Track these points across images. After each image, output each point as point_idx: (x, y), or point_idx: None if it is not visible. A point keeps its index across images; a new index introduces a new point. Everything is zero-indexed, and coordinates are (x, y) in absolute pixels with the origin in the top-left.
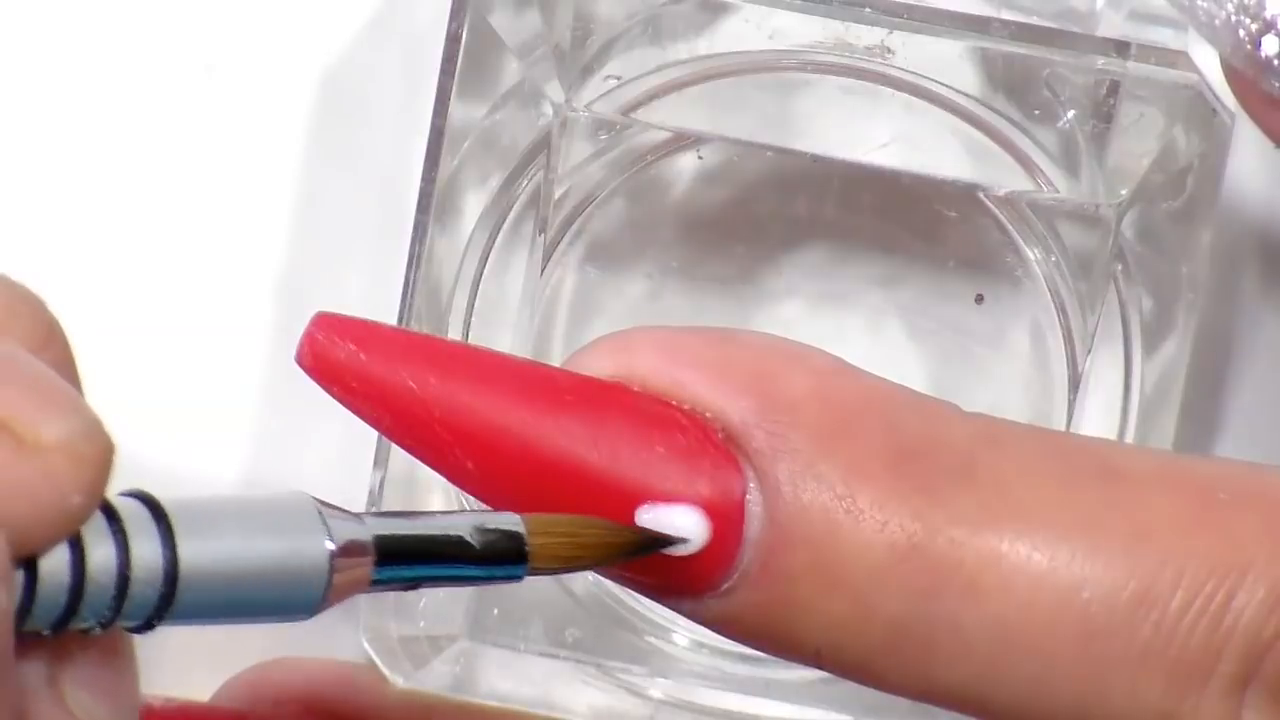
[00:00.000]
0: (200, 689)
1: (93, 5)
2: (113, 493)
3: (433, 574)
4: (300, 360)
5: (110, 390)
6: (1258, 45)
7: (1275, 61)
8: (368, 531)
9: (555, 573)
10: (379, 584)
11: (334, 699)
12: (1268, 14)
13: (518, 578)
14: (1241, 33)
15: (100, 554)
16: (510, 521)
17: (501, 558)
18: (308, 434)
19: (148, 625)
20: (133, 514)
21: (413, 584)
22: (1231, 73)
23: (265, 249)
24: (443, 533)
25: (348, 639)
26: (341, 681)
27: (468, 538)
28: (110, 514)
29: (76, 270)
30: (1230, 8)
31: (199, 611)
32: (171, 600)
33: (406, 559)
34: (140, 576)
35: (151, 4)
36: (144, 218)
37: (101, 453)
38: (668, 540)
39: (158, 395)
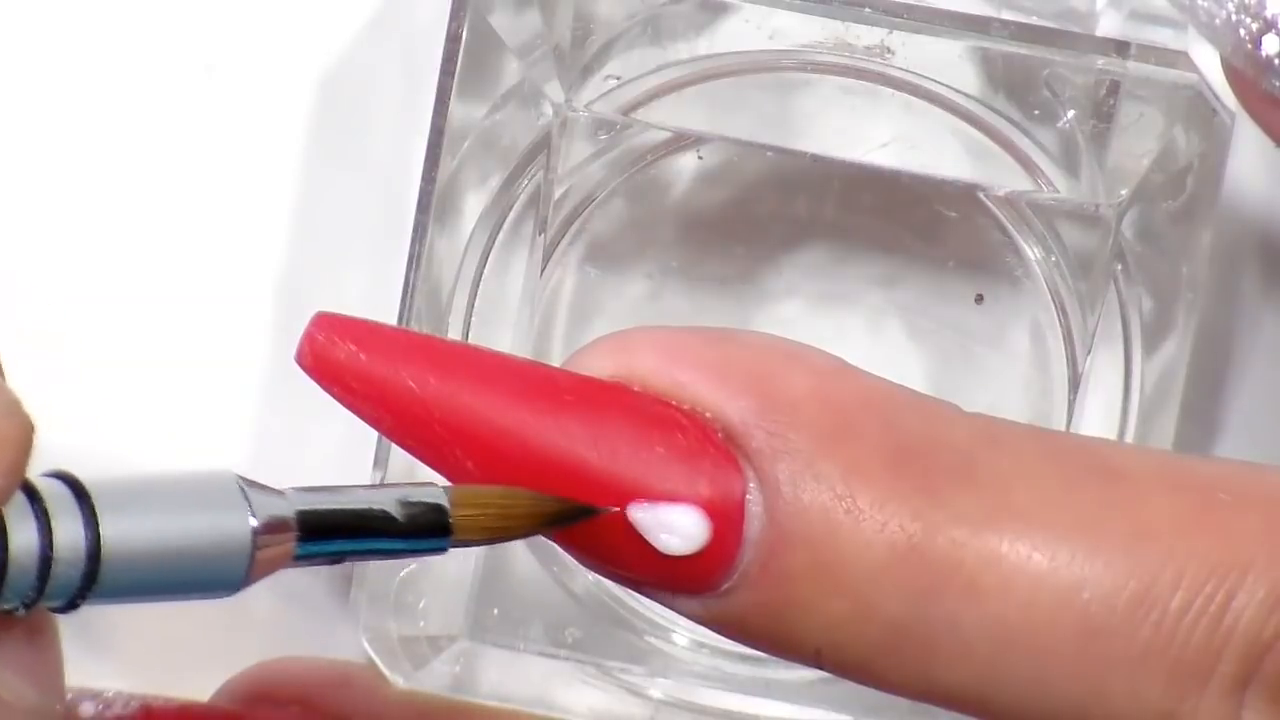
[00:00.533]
0: (200, 689)
1: (92, 5)
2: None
3: (357, 548)
4: (300, 360)
5: (110, 390)
6: (1258, 44)
7: (1276, 60)
8: (290, 507)
9: (480, 544)
10: (302, 559)
11: (334, 699)
12: (1268, 13)
13: (442, 549)
14: (1242, 32)
15: (22, 535)
16: (433, 494)
17: (425, 530)
18: (308, 433)
19: (71, 605)
20: (55, 494)
21: (337, 558)
22: (1232, 72)
23: (265, 249)
24: (366, 507)
25: (347, 639)
26: (341, 681)
27: (391, 511)
28: (32, 494)
29: (76, 270)
30: (1231, 7)
31: (123, 590)
32: (95, 579)
33: (330, 534)
34: (63, 556)
35: (151, 4)
36: (144, 217)
37: (21, 432)
38: (593, 510)
39: (157, 395)
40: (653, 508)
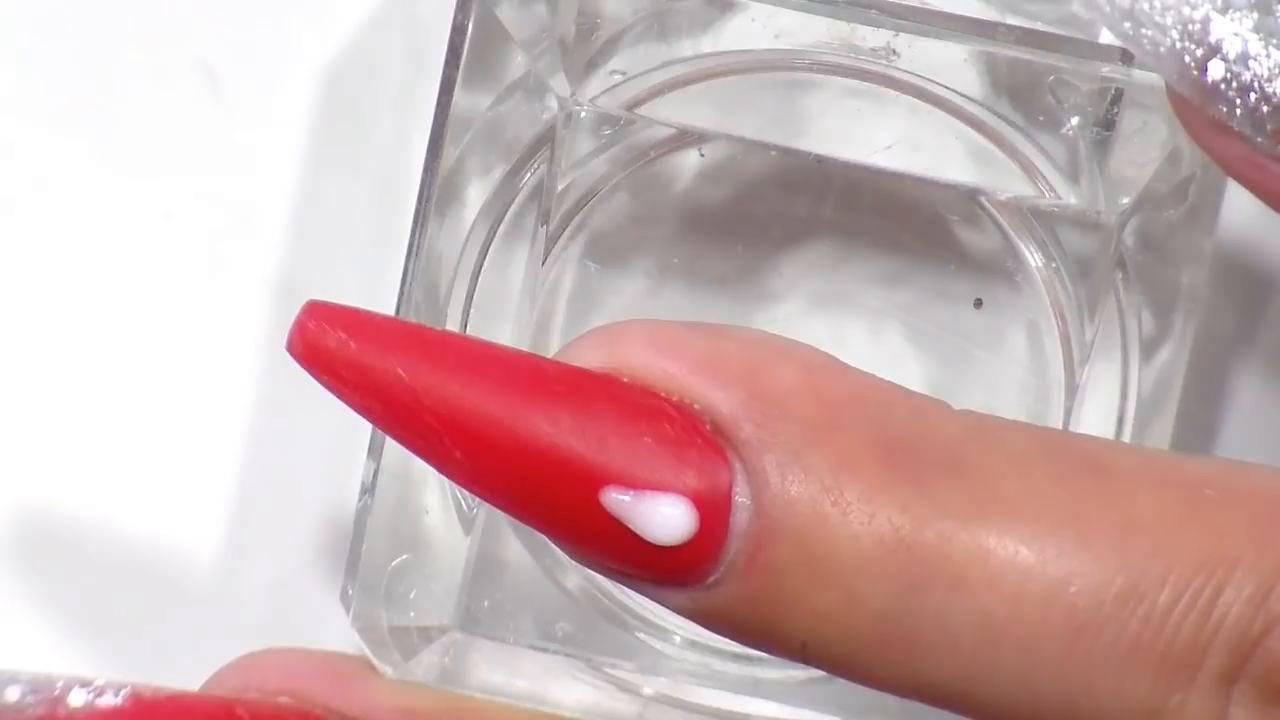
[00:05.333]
0: (188, 678)
1: None
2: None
3: None
4: (291, 349)
5: (106, 384)
6: (1203, 71)
7: (1221, 86)
8: None
9: None
10: None
11: (323, 688)
12: (1212, 39)
13: None
14: (1187, 59)
15: None
16: None
17: None
18: (303, 426)
19: None
20: None
21: None
22: (1176, 99)
23: (265, 238)
24: None
25: (338, 629)
26: (331, 671)
27: None
28: None
29: (73, 265)
30: (1175, 35)
31: None
32: None
33: None
34: None
35: (150, 1)
36: (143, 207)
37: None
38: None
39: (153, 387)
40: (640, 497)
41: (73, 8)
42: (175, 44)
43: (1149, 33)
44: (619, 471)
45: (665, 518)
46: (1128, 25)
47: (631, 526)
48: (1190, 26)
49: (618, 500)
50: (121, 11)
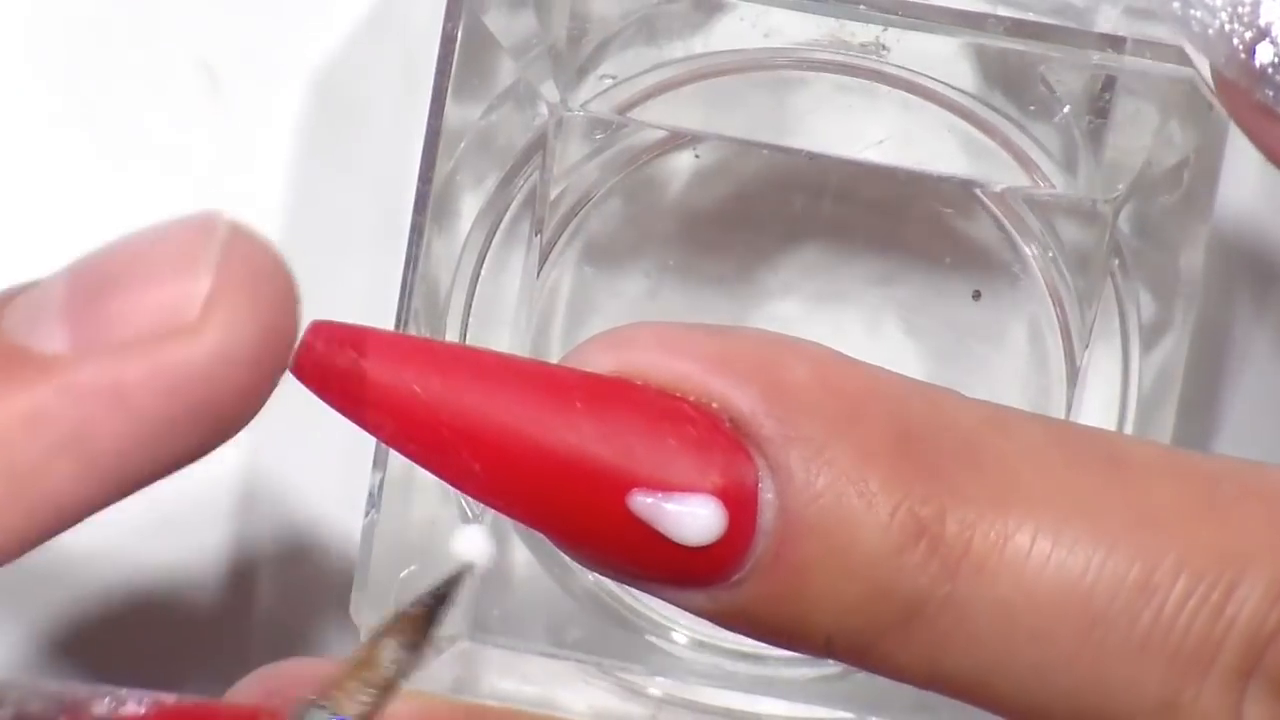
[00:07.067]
0: (201, 689)
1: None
2: None
3: None
4: (297, 371)
5: None
6: (1252, 54)
7: (1269, 70)
8: None
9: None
10: None
11: None
12: (1262, 22)
13: None
14: (1235, 41)
15: None
16: None
17: None
18: (306, 436)
19: None
20: None
21: None
22: (1223, 84)
23: None
24: None
25: (348, 641)
26: None
27: None
28: None
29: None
30: (1223, 17)
31: None
32: None
33: None
34: None
35: (147, 3)
36: (138, 216)
37: None
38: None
39: None
40: (669, 499)
41: (73, 8)
42: (175, 44)
43: (1198, 14)
44: (648, 475)
45: (695, 519)
46: (1176, 5)
47: (661, 529)
48: (1240, 9)
49: (646, 504)
50: (121, 11)
